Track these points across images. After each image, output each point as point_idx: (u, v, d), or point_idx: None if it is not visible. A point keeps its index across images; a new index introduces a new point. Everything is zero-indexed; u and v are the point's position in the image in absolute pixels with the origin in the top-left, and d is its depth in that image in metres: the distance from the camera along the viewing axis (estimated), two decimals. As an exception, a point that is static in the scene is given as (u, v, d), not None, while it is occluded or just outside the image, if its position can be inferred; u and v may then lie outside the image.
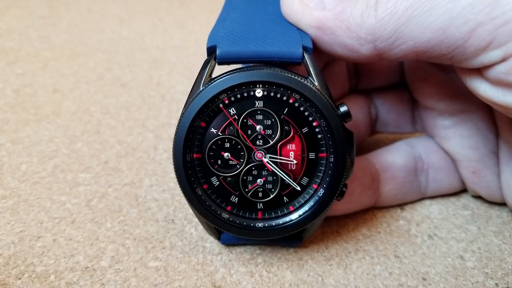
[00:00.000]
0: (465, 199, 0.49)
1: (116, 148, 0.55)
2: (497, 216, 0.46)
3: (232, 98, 0.35)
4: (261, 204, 0.37)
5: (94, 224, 0.43)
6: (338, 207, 0.43)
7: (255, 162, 0.36)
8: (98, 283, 0.36)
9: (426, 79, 0.45)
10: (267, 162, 0.36)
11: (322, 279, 0.38)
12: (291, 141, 0.36)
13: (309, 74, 0.35)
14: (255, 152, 0.36)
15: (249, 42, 0.35)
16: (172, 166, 0.36)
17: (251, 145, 0.36)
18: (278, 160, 0.36)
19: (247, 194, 0.37)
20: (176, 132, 0.35)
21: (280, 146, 0.36)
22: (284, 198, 0.37)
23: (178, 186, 0.36)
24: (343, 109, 0.35)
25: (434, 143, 0.47)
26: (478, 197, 0.48)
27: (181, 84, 0.71)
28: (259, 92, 0.35)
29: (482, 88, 0.34)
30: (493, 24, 0.30)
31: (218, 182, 0.37)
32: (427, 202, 0.48)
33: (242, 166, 0.36)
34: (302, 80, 0.34)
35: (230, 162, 0.36)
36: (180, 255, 0.40)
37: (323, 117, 0.34)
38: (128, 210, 0.45)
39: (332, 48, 0.36)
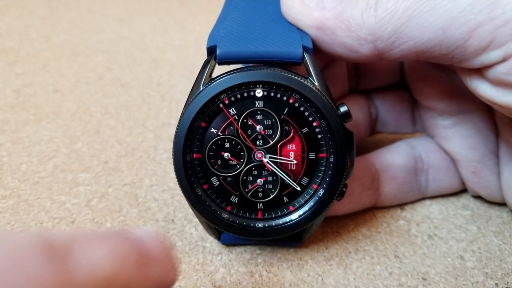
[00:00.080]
0: (465, 199, 0.49)
1: (116, 148, 0.55)
2: (497, 216, 0.46)
3: (232, 98, 0.35)
4: (261, 204, 0.37)
5: (94, 224, 0.43)
6: (338, 207, 0.43)
7: (255, 162, 0.36)
8: (98, 283, 0.36)
9: (426, 79, 0.45)
10: (267, 162, 0.36)
11: (322, 279, 0.38)
12: (291, 141, 0.36)
13: (309, 74, 0.35)
14: (255, 152, 0.36)
15: (249, 42, 0.35)
16: (172, 166, 0.36)
17: (251, 145, 0.36)
18: (278, 160, 0.36)
19: (247, 194, 0.37)
20: (176, 132, 0.35)
21: (280, 146, 0.36)
22: (284, 198, 0.37)
23: (178, 186, 0.36)
24: (343, 109, 0.35)
25: (434, 143, 0.47)
26: (478, 197, 0.48)
27: (181, 84, 0.71)
28: (259, 92, 0.35)
29: (482, 88, 0.34)
30: (493, 24, 0.30)
31: (218, 182, 0.37)
32: (427, 202, 0.48)
33: (242, 166, 0.36)
34: (302, 80, 0.34)
35: (230, 162, 0.36)
36: (180, 255, 0.40)
37: (323, 117, 0.34)
38: (128, 210, 0.45)
39: (332, 48, 0.36)
